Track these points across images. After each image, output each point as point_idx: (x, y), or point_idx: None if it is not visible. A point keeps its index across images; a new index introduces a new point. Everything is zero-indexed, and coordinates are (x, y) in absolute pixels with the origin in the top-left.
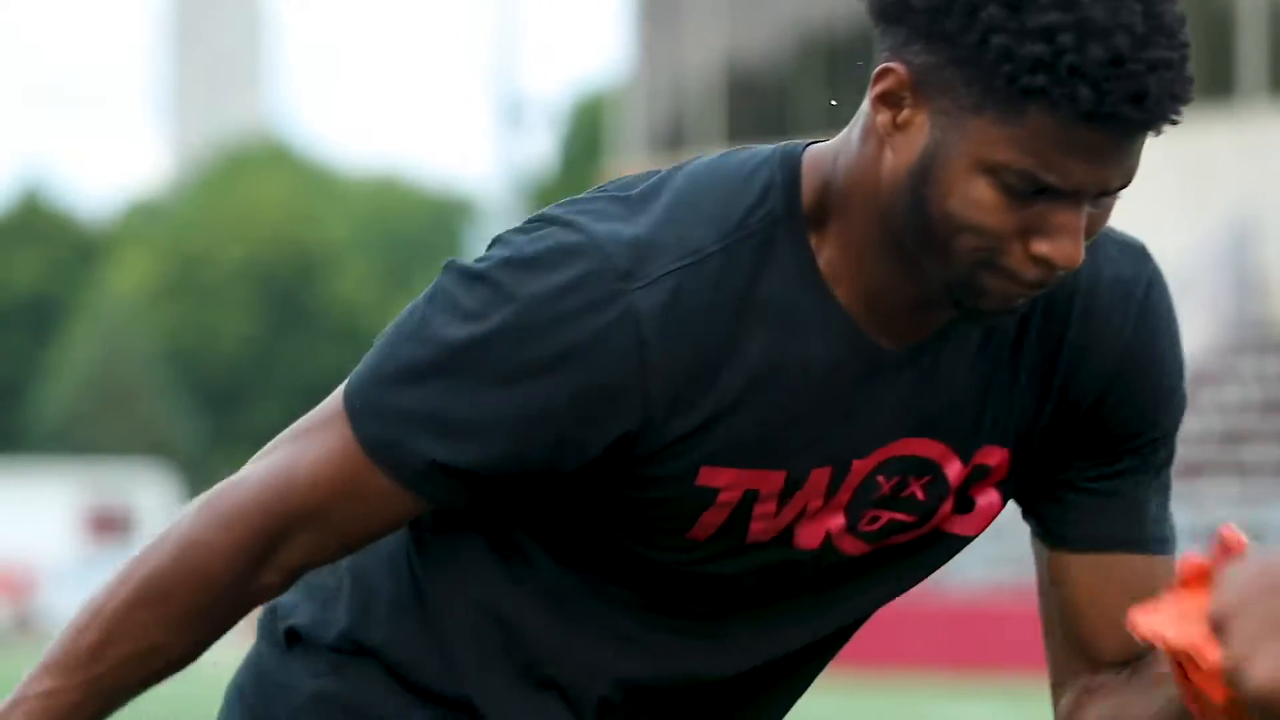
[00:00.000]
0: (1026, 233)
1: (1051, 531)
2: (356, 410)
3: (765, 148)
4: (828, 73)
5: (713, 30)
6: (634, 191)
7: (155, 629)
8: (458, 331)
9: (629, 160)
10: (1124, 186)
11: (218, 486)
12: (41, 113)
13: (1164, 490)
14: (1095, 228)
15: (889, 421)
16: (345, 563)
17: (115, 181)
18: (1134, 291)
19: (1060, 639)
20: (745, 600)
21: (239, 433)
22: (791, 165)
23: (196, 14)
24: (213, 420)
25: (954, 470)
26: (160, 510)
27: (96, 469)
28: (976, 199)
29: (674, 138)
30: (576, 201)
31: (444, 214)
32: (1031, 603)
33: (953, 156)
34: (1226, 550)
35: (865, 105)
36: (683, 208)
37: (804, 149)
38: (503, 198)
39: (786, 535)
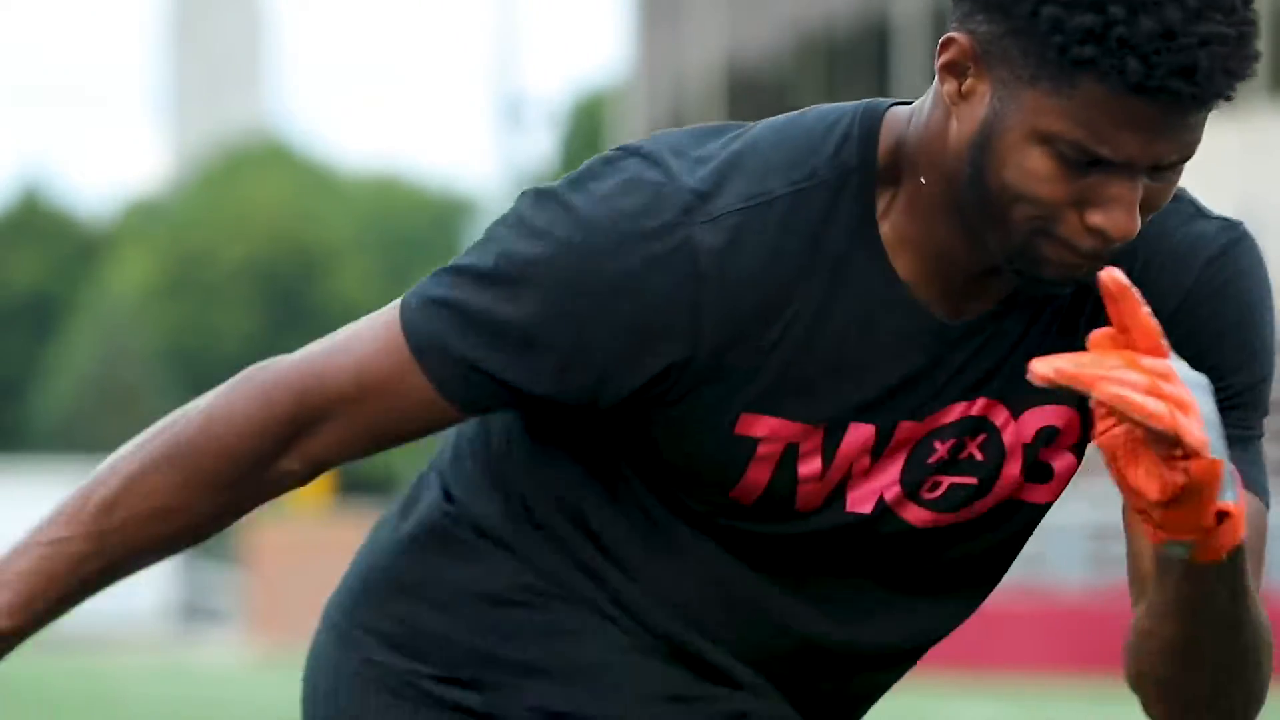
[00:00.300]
0: (1081, 203)
1: None
2: (409, 307)
3: (850, 103)
4: (827, 71)
5: (712, 29)
6: (716, 134)
7: (170, 491)
8: (521, 246)
9: None
10: (1182, 161)
11: (261, 363)
12: (41, 112)
13: (1243, 443)
14: (1155, 200)
15: (939, 386)
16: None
17: (115, 180)
18: (1202, 252)
19: (1134, 565)
20: (818, 567)
21: None
22: (871, 121)
23: (196, 13)
24: None
25: (1003, 421)
26: None
27: (96, 468)
28: (1031, 169)
29: None
30: (663, 137)
31: (444, 213)
32: (1034, 603)
33: (1010, 126)
34: (1112, 297)
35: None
36: (757, 153)
37: (887, 107)
38: (503, 197)
39: (837, 499)
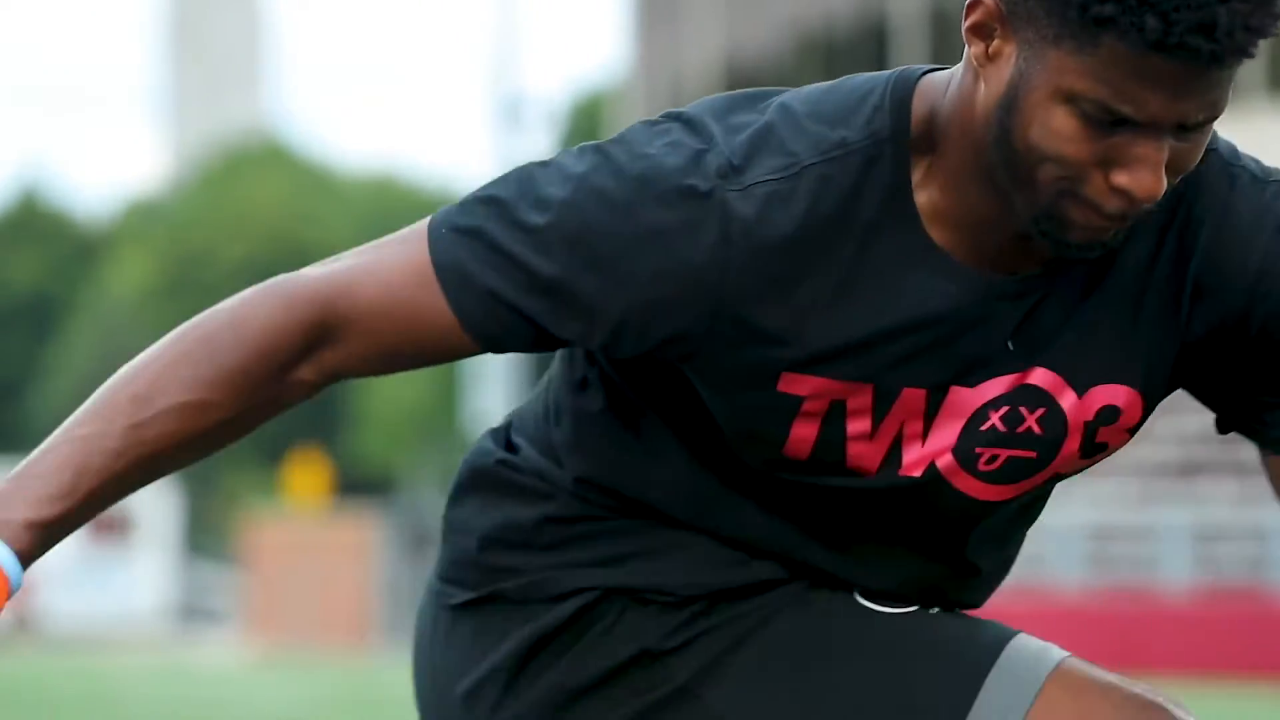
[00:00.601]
0: (1107, 163)
1: (1264, 440)
2: (438, 232)
3: (884, 72)
4: (826, 71)
5: (711, 29)
6: (753, 101)
7: (199, 385)
8: (557, 188)
9: None
10: (1208, 120)
11: (290, 273)
12: (40, 112)
13: None
14: (1183, 162)
15: (989, 352)
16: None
17: (114, 181)
18: (1268, 219)
19: None
20: (865, 533)
21: None
22: (903, 89)
23: (195, 13)
24: None
25: (1069, 402)
26: (159, 510)
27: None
28: (1056, 128)
29: None
30: (705, 103)
31: None
32: (1033, 603)
33: (1035, 86)
34: None
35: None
36: (789, 122)
37: (920, 74)
38: None
39: (893, 460)
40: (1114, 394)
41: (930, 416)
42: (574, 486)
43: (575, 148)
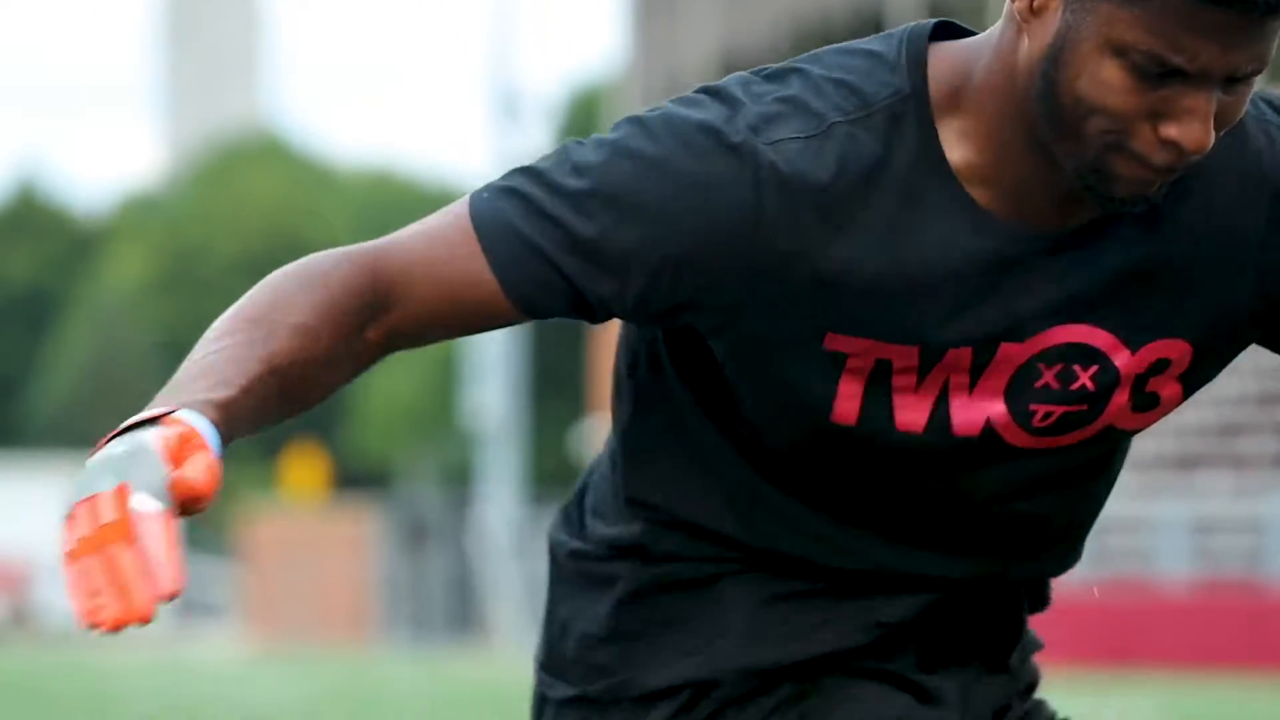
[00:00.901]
0: (1155, 116)
1: None
2: (477, 192)
3: (895, 31)
4: None
5: (708, 23)
6: (774, 76)
7: (309, 310)
8: (593, 154)
9: None
10: (1256, 72)
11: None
12: (37, 107)
13: None
14: (1229, 115)
15: (1037, 306)
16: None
17: (111, 175)
18: None
19: None
20: (911, 512)
21: None
22: (917, 47)
23: (192, 8)
24: None
25: (1123, 360)
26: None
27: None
28: (1105, 80)
29: None
30: (732, 77)
31: (439, 208)
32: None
33: (1083, 38)
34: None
35: None
36: (811, 87)
37: (930, 29)
38: None
39: (942, 422)
40: (1167, 348)
41: (977, 372)
42: (640, 532)
43: (613, 124)
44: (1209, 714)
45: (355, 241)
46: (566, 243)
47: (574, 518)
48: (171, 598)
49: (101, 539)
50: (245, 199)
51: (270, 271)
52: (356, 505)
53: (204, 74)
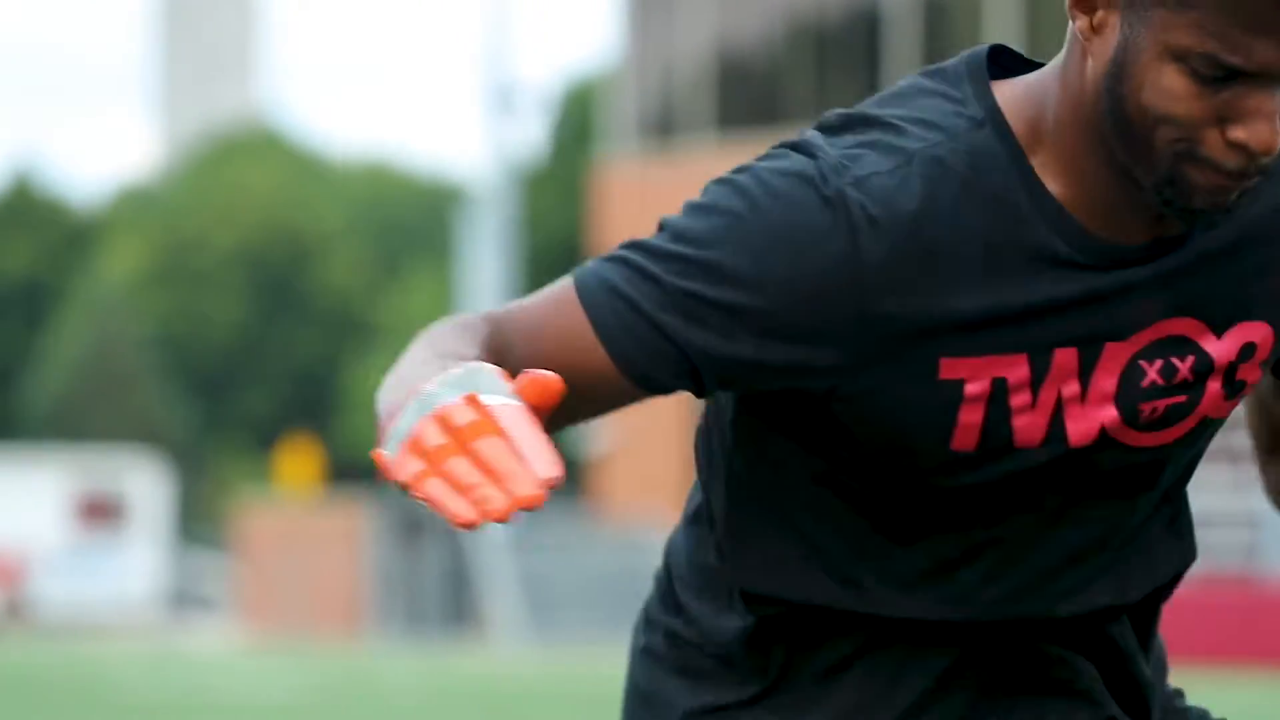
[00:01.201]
0: (1221, 120)
1: None
2: (580, 264)
3: (948, 63)
4: (817, 59)
5: (703, 17)
6: (846, 120)
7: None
8: (688, 218)
9: (620, 146)
10: None
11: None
12: (33, 99)
13: None
14: None
15: (1137, 306)
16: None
17: (107, 168)
18: None
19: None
20: (1049, 541)
21: (229, 419)
22: (979, 78)
23: (188, 1)
24: (203, 406)
25: (1214, 347)
26: (150, 497)
27: (88, 456)
28: (1168, 87)
29: (665, 124)
30: (811, 130)
31: (435, 200)
32: None
33: (1142, 49)
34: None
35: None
36: (886, 127)
37: (986, 55)
38: (493, 184)
39: (1058, 433)
40: (1252, 331)
41: (1086, 375)
42: (742, 618)
43: (700, 191)
44: (1205, 708)
45: (347, 233)
46: (670, 305)
47: (669, 599)
48: (553, 485)
49: (463, 438)
50: (241, 191)
51: (265, 262)
52: (351, 498)
53: (200, 66)
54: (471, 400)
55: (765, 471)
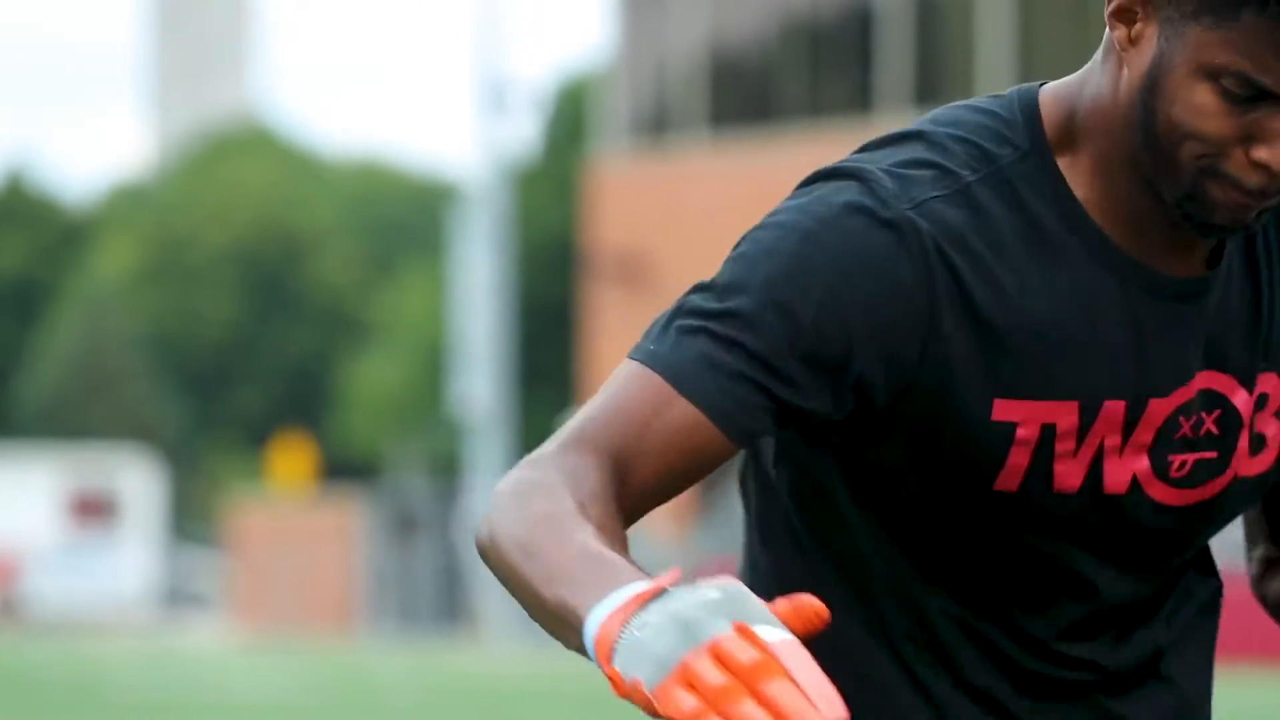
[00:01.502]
0: (1247, 140)
1: None
2: (647, 348)
3: (1002, 93)
4: (811, 57)
5: (696, 14)
6: (887, 144)
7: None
8: (735, 271)
9: (613, 144)
10: None
11: (541, 452)
12: (25, 96)
13: None
14: None
15: (1184, 356)
16: None
17: (99, 165)
18: None
19: (1255, 515)
20: (1063, 585)
21: (222, 416)
22: (1030, 101)
23: None
24: (196, 404)
25: (1241, 400)
26: (144, 495)
27: (80, 453)
28: (1198, 104)
29: (658, 122)
30: (848, 157)
31: (427, 198)
32: None
33: (1177, 64)
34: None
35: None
36: (936, 148)
37: (1040, 86)
38: (486, 181)
39: (1095, 479)
40: (1264, 381)
41: (1129, 429)
42: None
43: (745, 236)
44: None
45: (340, 231)
46: (753, 361)
47: None
48: None
49: (750, 680)
50: (234, 189)
51: (258, 260)
52: (344, 495)
53: (193, 63)
54: (746, 634)
55: (820, 520)
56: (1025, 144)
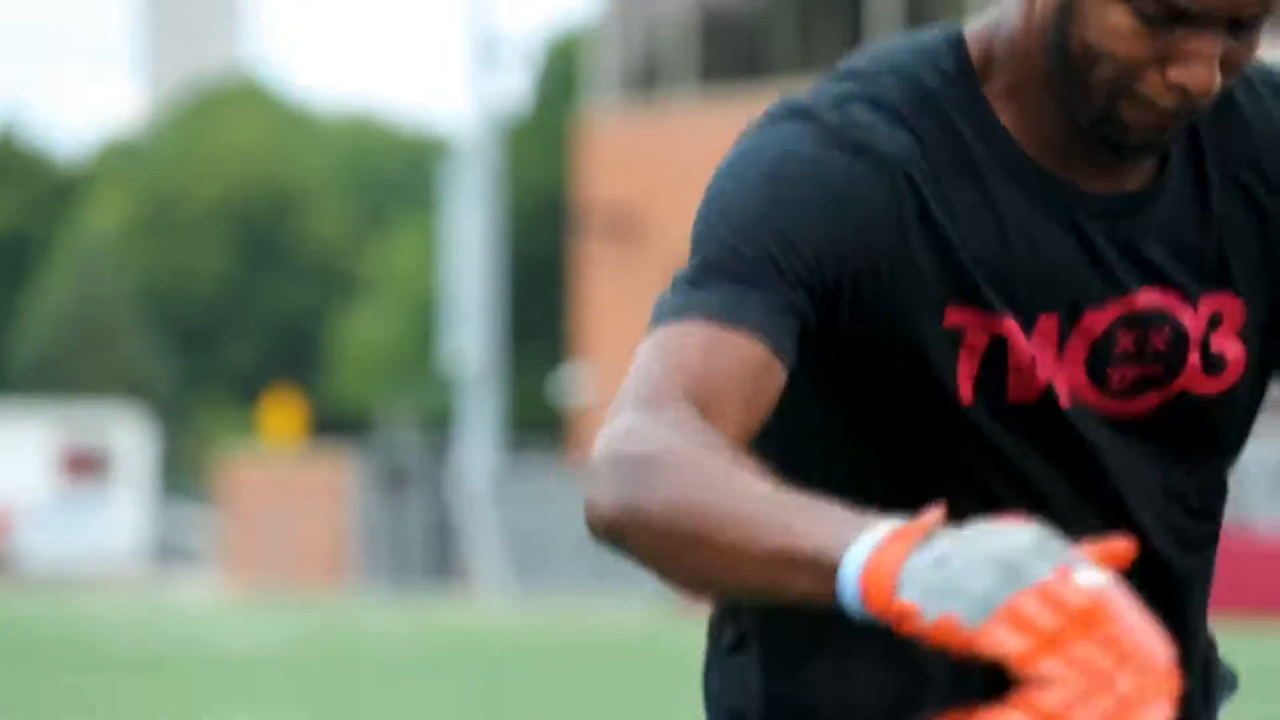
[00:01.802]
0: (1162, 61)
1: None
2: (666, 311)
3: (929, 29)
4: (801, 12)
5: None
6: (829, 77)
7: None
8: (716, 207)
9: (603, 99)
10: (1258, 14)
11: (609, 431)
12: (17, 52)
13: None
14: (1236, 61)
15: (1118, 272)
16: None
17: (91, 121)
18: None
19: None
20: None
21: (214, 372)
22: (955, 35)
23: None
24: (188, 359)
25: (1188, 317)
26: (135, 450)
27: (72, 409)
28: (1113, 26)
29: (648, 77)
30: (789, 96)
31: (418, 153)
32: None
33: None
34: None
35: None
36: (871, 80)
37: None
38: (477, 137)
39: (1047, 391)
40: (1218, 301)
41: (1063, 340)
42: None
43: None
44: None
45: (331, 186)
46: (768, 291)
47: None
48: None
49: (1084, 623)
50: (225, 144)
51: (249, 216)
52: (335, 451)
53: (184, 19)
54: (1068, 578)
55: (789, 432)
56: (952, 71)
